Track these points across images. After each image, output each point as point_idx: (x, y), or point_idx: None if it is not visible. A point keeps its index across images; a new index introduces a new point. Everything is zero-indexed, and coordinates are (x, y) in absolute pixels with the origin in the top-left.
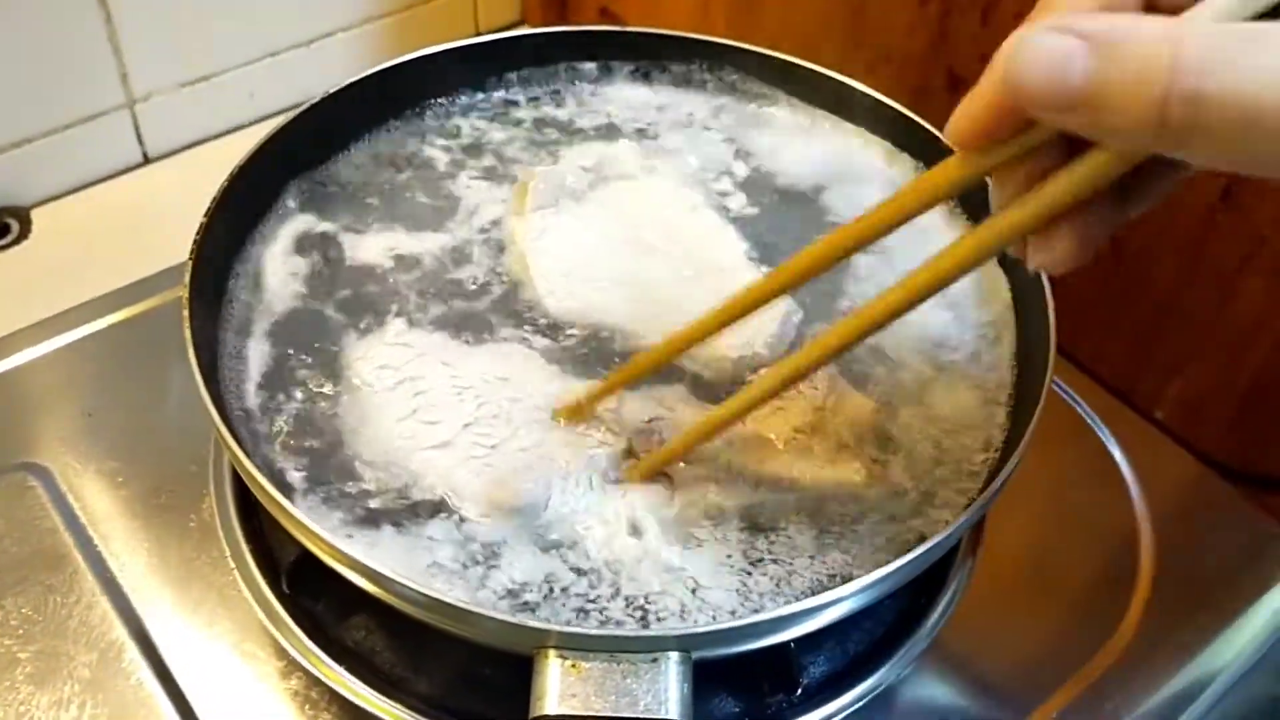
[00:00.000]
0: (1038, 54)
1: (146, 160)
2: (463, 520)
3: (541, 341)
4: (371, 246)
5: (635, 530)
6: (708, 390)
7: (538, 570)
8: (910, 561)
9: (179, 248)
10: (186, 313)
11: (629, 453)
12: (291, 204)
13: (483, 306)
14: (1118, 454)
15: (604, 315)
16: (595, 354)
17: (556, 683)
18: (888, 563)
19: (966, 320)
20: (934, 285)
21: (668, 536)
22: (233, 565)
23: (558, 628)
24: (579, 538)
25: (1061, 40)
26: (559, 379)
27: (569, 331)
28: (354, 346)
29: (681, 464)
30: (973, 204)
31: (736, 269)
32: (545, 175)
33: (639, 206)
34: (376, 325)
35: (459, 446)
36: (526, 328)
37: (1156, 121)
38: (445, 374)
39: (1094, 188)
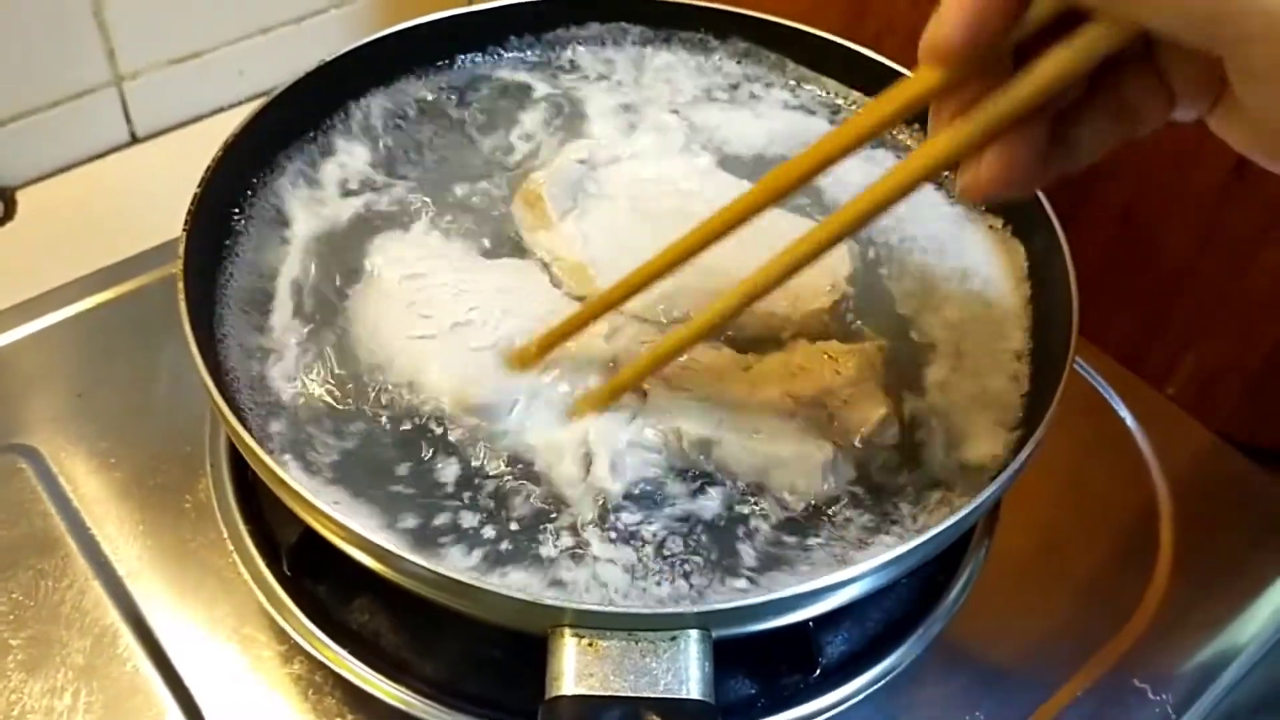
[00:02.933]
0: None
1: (135, 139)
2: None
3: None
4: (380, 213)
5: (586, 460)
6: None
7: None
8: (932, 538)
9: (168, 228)
10: (181, 286)
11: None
12: (293, 168)
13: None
14: (1134, 428)
15: (679, 300)
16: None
17: (573, 662)
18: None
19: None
20: (868, 212)
21: (615, 472)
22: (231, 547)
23: (573, 605)
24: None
25: None
26: (558, 302)
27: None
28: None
29: (660, 384)
30: None
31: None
32: (552, 179)
33: (652, 183)
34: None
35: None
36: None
37: None
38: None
39: (1059, 81)
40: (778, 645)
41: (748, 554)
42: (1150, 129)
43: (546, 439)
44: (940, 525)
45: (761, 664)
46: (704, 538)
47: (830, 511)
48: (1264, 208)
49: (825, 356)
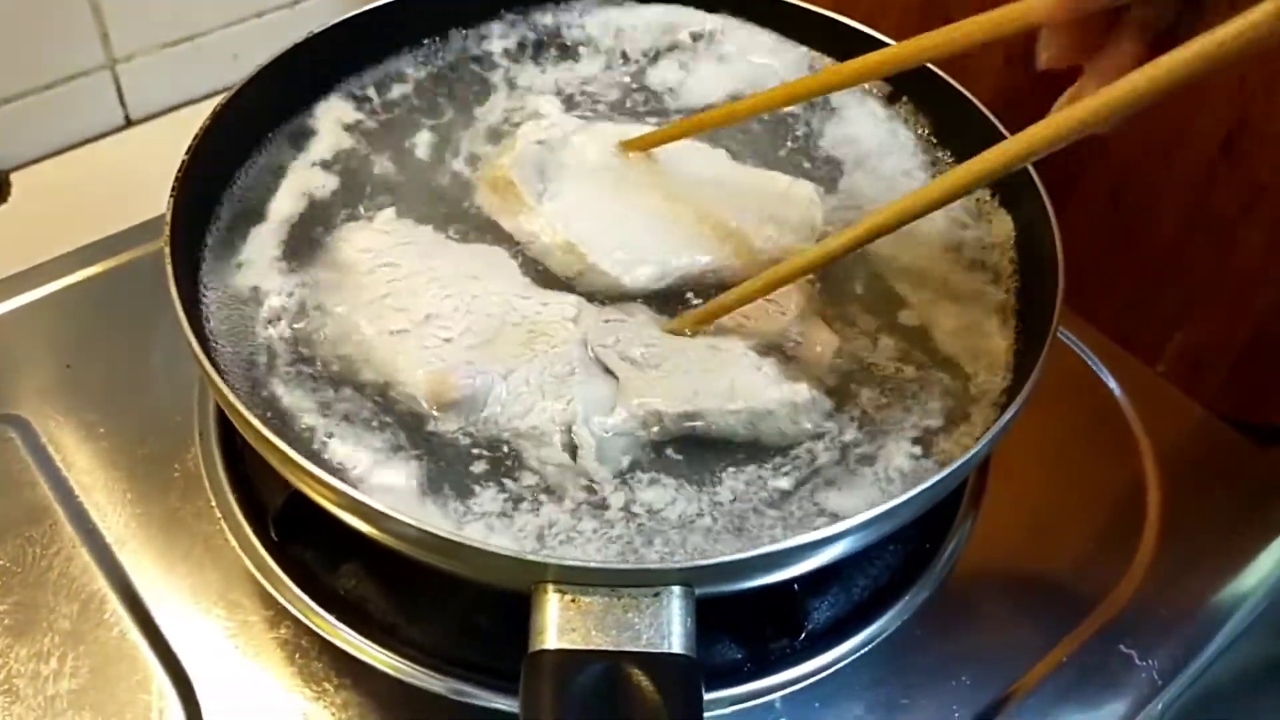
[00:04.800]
0: None
1: (128, 123)
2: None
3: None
4: (353, 194)
5: (570, 444)
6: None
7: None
8: (914, 497)
9: (160, 208)
10: (167, 251)
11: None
12: (278, 141)
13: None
14: (1123, 402)
15: (683, 266)
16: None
17: (555, 617)
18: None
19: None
20: (1016, 158)
21: (601, 454)
22: (219, 514)
23: (555, 561)
24: (513, 440)
25: None
26: (528, 289)
27: (657, 289)
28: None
29: (629, 365)
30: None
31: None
32: (518, 163)
33: (607, 155)
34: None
35: (415, 335)
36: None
37: None
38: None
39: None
40: (765, 610)
41: (745, 509)
42: None
43: (530, 425)
44: (923, 484)
45: (748, 628)
46: (699, 502)
47: (823, 446)
48: (1249, 187)
49: (765, 300)
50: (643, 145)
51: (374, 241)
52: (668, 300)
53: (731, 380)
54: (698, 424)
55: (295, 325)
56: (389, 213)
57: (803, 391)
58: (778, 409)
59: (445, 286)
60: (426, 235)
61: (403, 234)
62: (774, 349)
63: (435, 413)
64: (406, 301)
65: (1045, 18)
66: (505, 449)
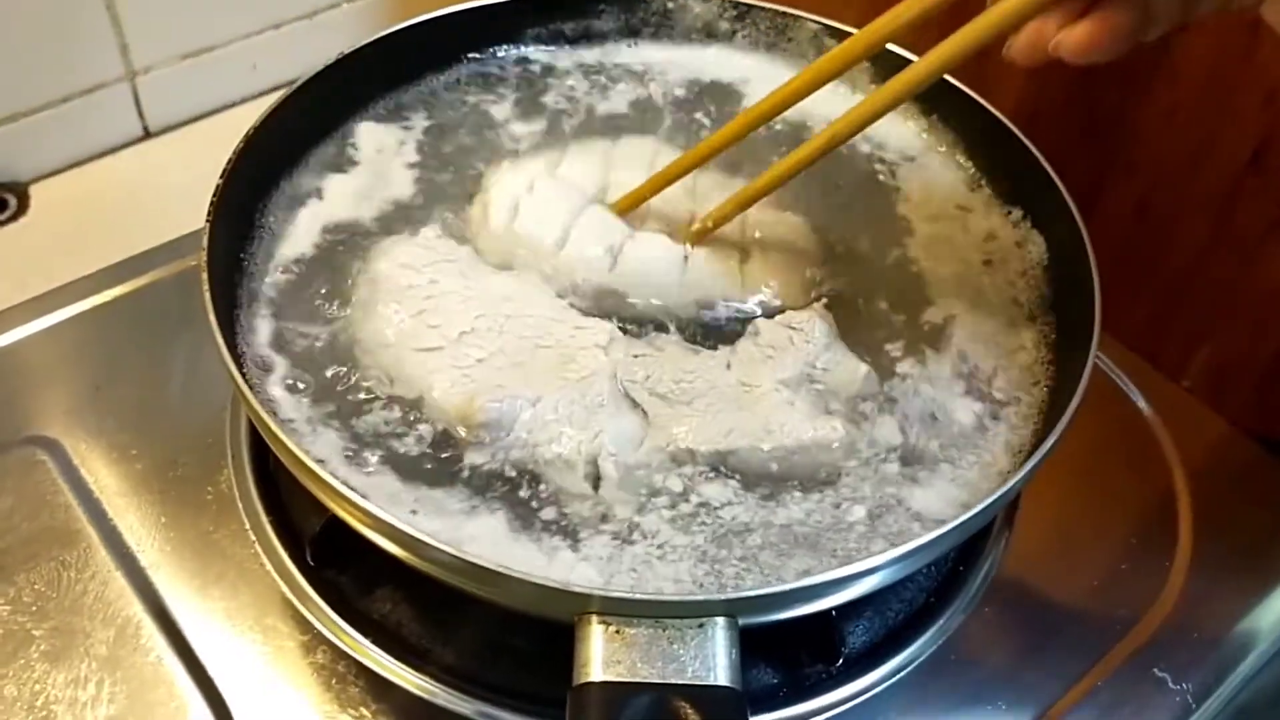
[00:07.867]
0: None
1: (147, 134)
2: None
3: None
4: (391, 214)
5: (595, 475)
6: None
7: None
8: (952, 530)
9: (181, 223)
10: (205, 277)
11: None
12: (312, 161)
13: None
14: (1151, 419)
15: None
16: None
17: (600, 649)
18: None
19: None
20: (951, 58)
21: (624, 488)
22: (253, 538)
23: (600, 592)
24: (537, 467)
25: None
26: (563, 313)
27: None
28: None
29: (659, 401)
30: None
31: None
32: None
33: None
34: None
35: (448, 353)
36: None
37: None
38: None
39: None
40: (801, 635)
41: (763, 542)
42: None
43: (555, 453)
44: (961, 517)
45: (784, 653)
46: (728, 538)
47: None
48: (1276, 203)
49: (788, 330)
50: (626, 206)
51: (415, 257)
52: (694, 332)
53: (765, 417)
54: (729, 461)
55: (323, 344)
56: (433, 228)
57: (837, 428)
58: (811, 448)
59: (481, 306)
60: (466, 255)
61: (444, 251)
62: (805, 381)
63: (463, 434)
64: (441, 319)
65: None
66: (528, 476)
